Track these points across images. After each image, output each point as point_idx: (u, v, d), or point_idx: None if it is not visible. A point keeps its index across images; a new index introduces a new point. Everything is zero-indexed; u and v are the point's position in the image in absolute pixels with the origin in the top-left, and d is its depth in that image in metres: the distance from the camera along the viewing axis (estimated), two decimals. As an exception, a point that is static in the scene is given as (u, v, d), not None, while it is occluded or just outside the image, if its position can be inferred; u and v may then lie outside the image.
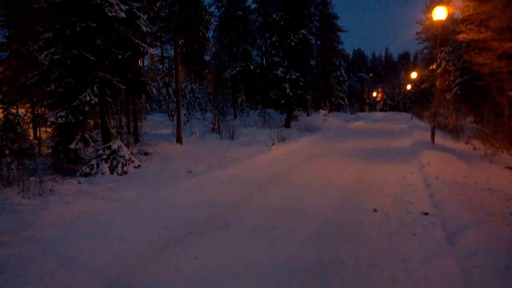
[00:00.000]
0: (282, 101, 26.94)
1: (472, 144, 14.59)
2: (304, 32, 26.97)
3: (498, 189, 7.56)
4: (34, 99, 13.88)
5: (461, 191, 7.25)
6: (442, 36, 25.39)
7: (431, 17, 15.82)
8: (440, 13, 13.97)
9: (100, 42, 10.80)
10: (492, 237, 4.68)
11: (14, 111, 13.19)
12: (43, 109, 14.71)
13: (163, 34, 28.67)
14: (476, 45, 14.25)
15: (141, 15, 12.51)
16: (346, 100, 49.92)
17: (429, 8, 34.97)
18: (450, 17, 15.57)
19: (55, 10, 10.91)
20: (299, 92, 27.19)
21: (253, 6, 37.88)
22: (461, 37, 13.69)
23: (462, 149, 14.11)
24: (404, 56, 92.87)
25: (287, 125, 27.21)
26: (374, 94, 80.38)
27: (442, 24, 15.82)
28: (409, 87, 56.16)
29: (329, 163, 12.45)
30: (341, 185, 8.89)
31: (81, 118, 10.99)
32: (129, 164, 10.93)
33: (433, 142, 15.73)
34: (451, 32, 23.62)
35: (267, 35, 35.65)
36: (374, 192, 8.10)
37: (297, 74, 26.81)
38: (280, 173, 10.71)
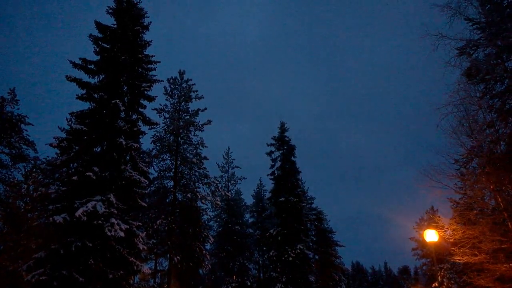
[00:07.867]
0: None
1: None
2: (301, 247, 27.10)
3: None
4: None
5: None
6: (439, 253, 25.43)
7: (423, 236, 16.18)
8: (431, 236, 14.37)
9: (93, 261, 10.69)
10: None
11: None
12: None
13: (159, 246, 28.70)
14: (474, 266, 14.06)
15: (140, 232, 12.86)
16: (351, 321, 45.90)
17: (419, 226, 36.24)
18: (443, 237, 15.96)
19: (55, 229, 11.26)
20: (299, 312, 25.32)
21: (250, 220, 39.28)
22: (456, 259, 13.68)
23: None
24: (405, 271, 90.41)
25: None
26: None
27: (436, 244, 16.06)
28: (416, 305, 52.74)
29: None
30: None
31: None
32: None
33: None
34: (446, 252, 23.77)
35: (264, 248, 35.71)
36: None
37: (296, 291, 25.55)
38: None
